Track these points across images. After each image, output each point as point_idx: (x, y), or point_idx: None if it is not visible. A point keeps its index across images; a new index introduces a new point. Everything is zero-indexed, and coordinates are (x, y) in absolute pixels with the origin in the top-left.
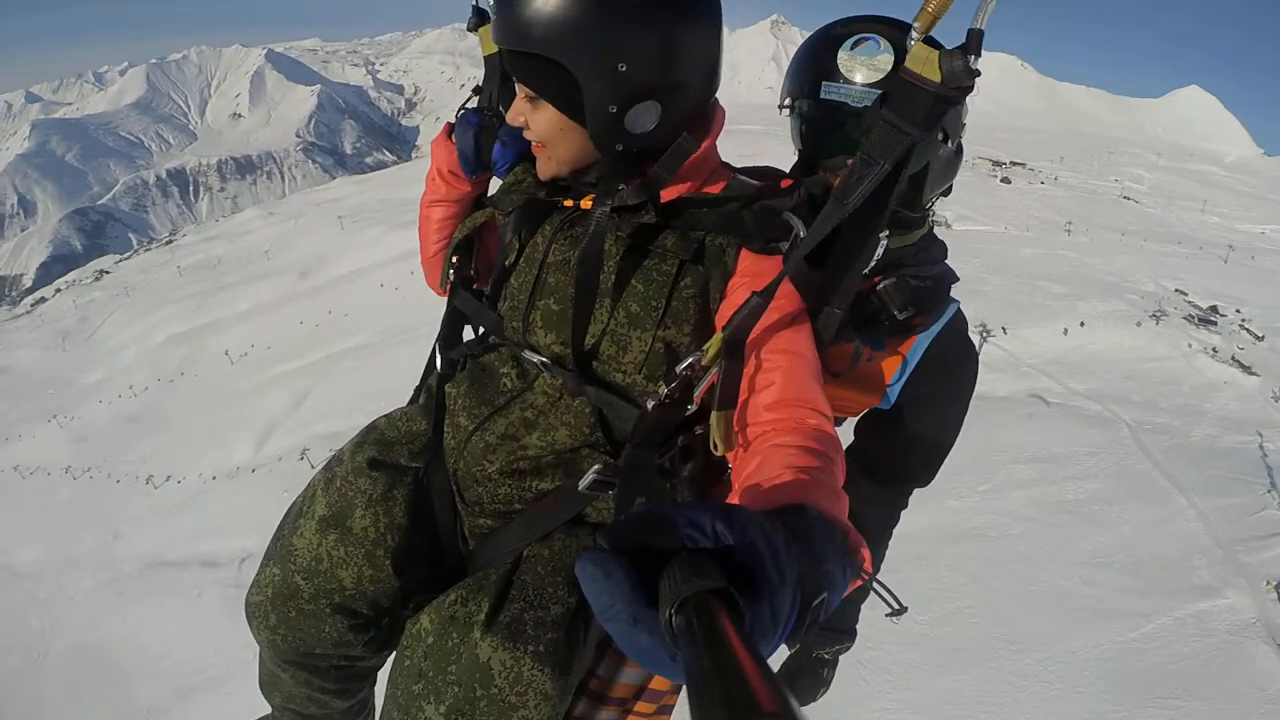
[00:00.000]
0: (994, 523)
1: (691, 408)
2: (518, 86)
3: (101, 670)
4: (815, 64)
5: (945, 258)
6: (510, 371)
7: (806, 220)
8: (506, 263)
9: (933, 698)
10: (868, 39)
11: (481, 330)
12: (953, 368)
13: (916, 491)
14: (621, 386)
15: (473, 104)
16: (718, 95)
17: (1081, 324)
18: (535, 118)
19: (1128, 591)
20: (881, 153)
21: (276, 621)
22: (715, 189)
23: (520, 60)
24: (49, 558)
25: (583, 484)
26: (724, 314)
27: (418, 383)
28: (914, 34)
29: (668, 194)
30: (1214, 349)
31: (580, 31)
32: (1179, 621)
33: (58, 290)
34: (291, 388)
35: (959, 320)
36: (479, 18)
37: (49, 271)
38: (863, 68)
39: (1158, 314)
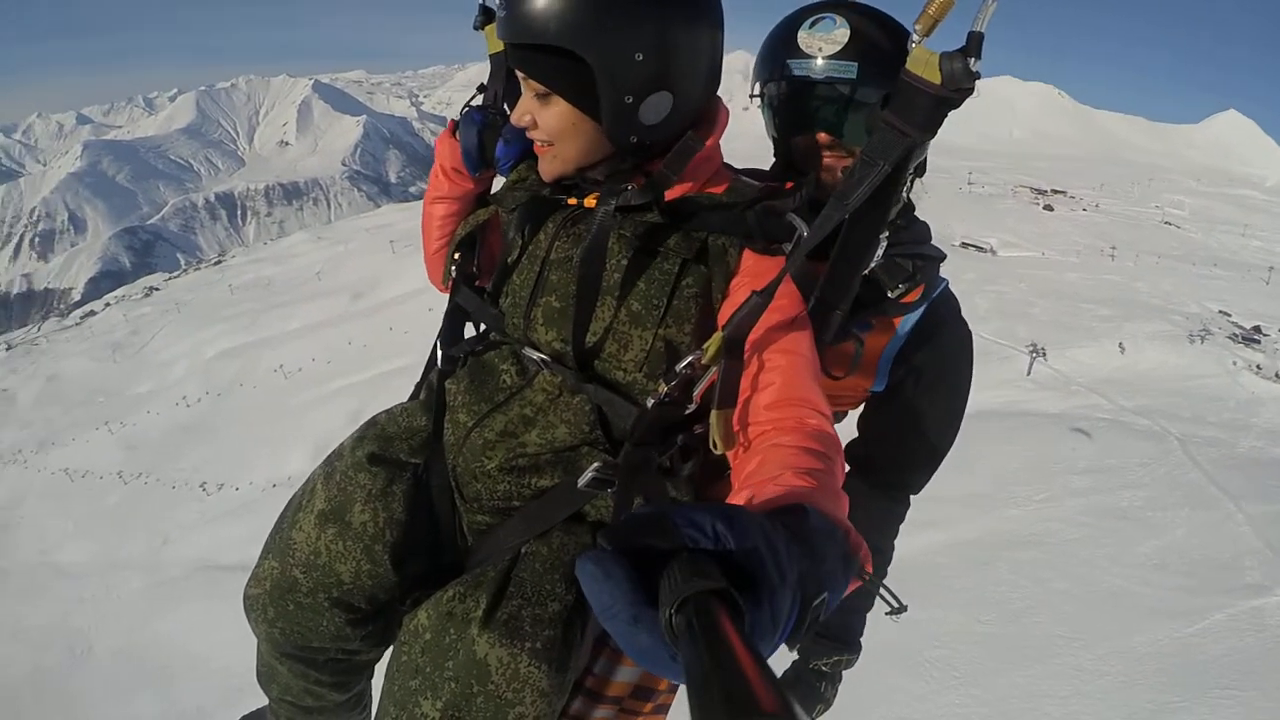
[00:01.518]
0: (1052, 529)
1: (691, 406)
2: (525, 85)
3: (147, 670)
4: (779, 49)
5: (929, 239)
6: (510, 369)
7: (809, 221)
8: (509, 260)
9: (1000, 693)
10: (824, 17)
11: (483, 327)
12: (944, 341)
13: (974, 500)
14: (622, 385)
15: (477, 102)
16: (728, 105)
17: (1121, 346)
18: (544, 115)
19: (1183, 591)
20: (882, 154)
21: (274, 614)
22: (718, 189)
23: (531, 55)
24: (95, 559)
25: (581, 481)
26: (725, 314)
27: (419, 378)
28: (915, 36)
29: (671, 193)
30: (1258, 366)
31: (597, 21)
32: (1233, 618)
33: (107, 304)
34: (345, 403)
35: (948, 295)
36: (485, 15)
37: (97, 287)
38: (822, 41)
39: (1202, 334)
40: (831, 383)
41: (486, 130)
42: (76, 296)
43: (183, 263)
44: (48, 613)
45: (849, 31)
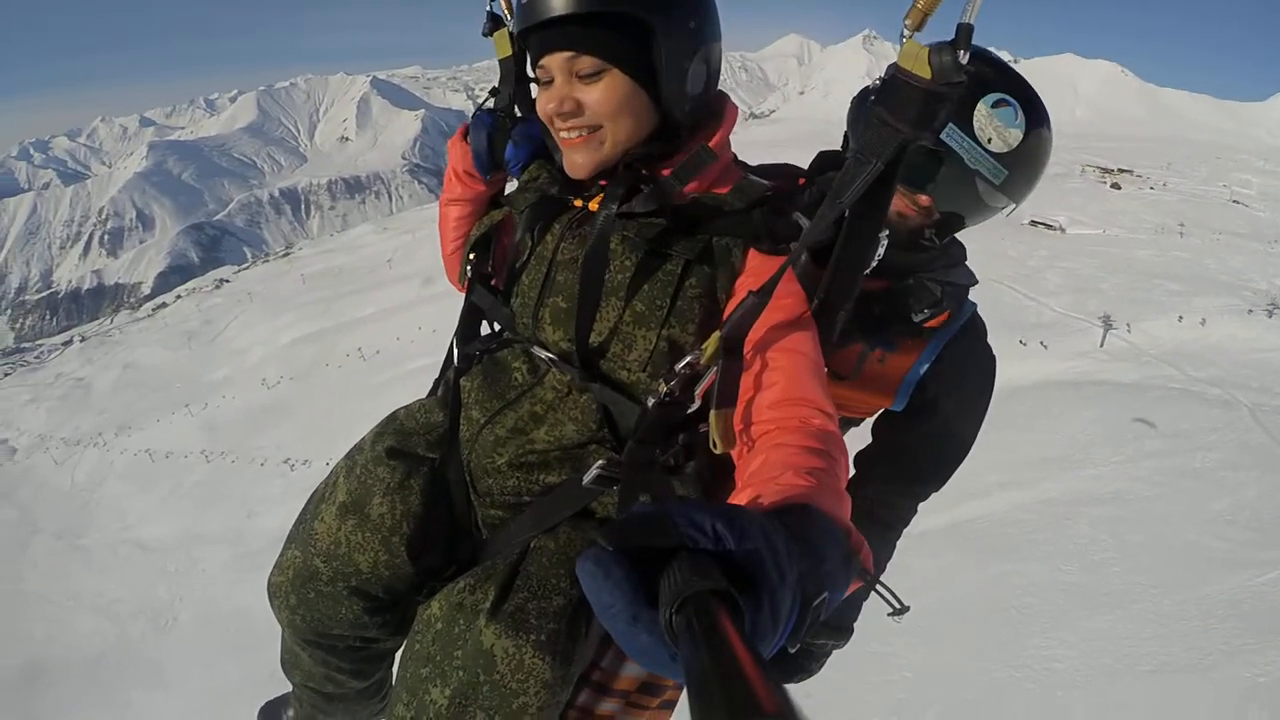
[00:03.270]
0: (1129, 488)
1: (693, 405)
2: (563, 68)
3: (233, 637)
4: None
5: (964, 259)
6: (522, 366)
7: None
8: (518, 260)
9: (1083, 634)
10: (1009, 104)
11: (496, 326)
12: (968, 370)
13: (1053, 462)
14: (626, 384)
15: (489, 106)
16: (783, 90)
17: (1203, 320)
18: (592, 94)
19: (1254, 545)
20: (874, 151)
21: (296, 602)
22: (724, 189)
23: (586, 31)
24: (179, 534)
25: (587, 478)
26: (729, 314)
27: (437, 375)
28: (905, 31)
29: (675, 195)
30: None
31: None
32: None
33: (178, 296)
34: (424, 383)
35: (976, 323)
36: (493, 23)
37: (166, 281)
38: (994, 133)
39: (1270, 308)
40: (847, 394)
41: (496, 133)
42: (146, 291)
43: (249, 256)
44: (131, 586)
45: (1022, 135)
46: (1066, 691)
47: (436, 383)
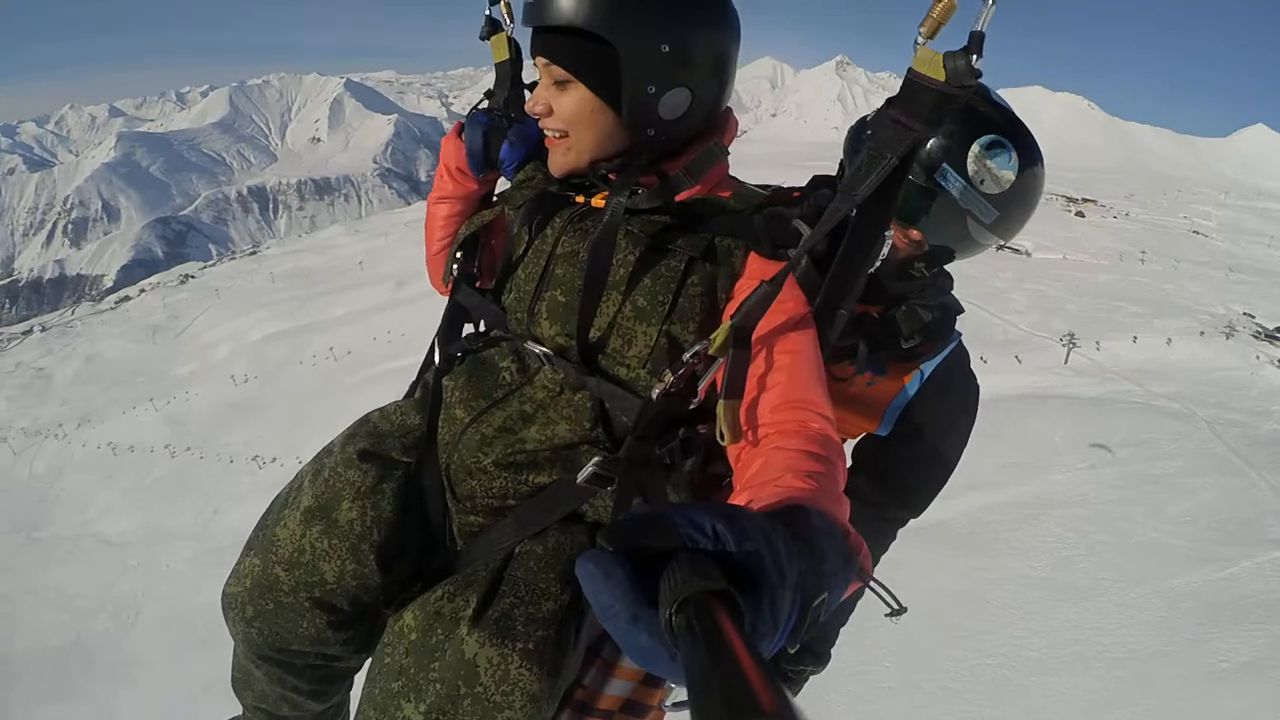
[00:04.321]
0: (1094, 491)
1: (695, 401)
2: (544, 73)
3: (197, 634)
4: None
5: (951, 288)
6: (510, 365)
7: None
8: (513, 255)
9: (1053, 625)
10: (1004, 146)
11: (482, 326)
12: (953, 395)
13: (1020, 467)
14: (624, 381)
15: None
16: (756, 111)
17: (1169, 340)
18: (562, 102)
19: (1213, 542)
20: (889, 147)
21: (253, 614)
22: (725, 194)
23: (556, 40)
24: (142, 529)
25: (581, 476)
26: (730, 313)
27: (414, 377)
28: (919, 38)
29: (680, 195)
30: (1279, 361)
31: (628, 8)
32: (1260, 565)
33: (142, 290)
34: (398, 385)
35: (961, 351)
36: (491, 27)
37: (130, 274)
38: (987, 174)
39: (1227, 331)
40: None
41: (492, 132)
42: (109, 283)
43: (215, 253)
44: (93, 581)
45: (1014, 177)
46: (1040, 677)
47: (414, 385)
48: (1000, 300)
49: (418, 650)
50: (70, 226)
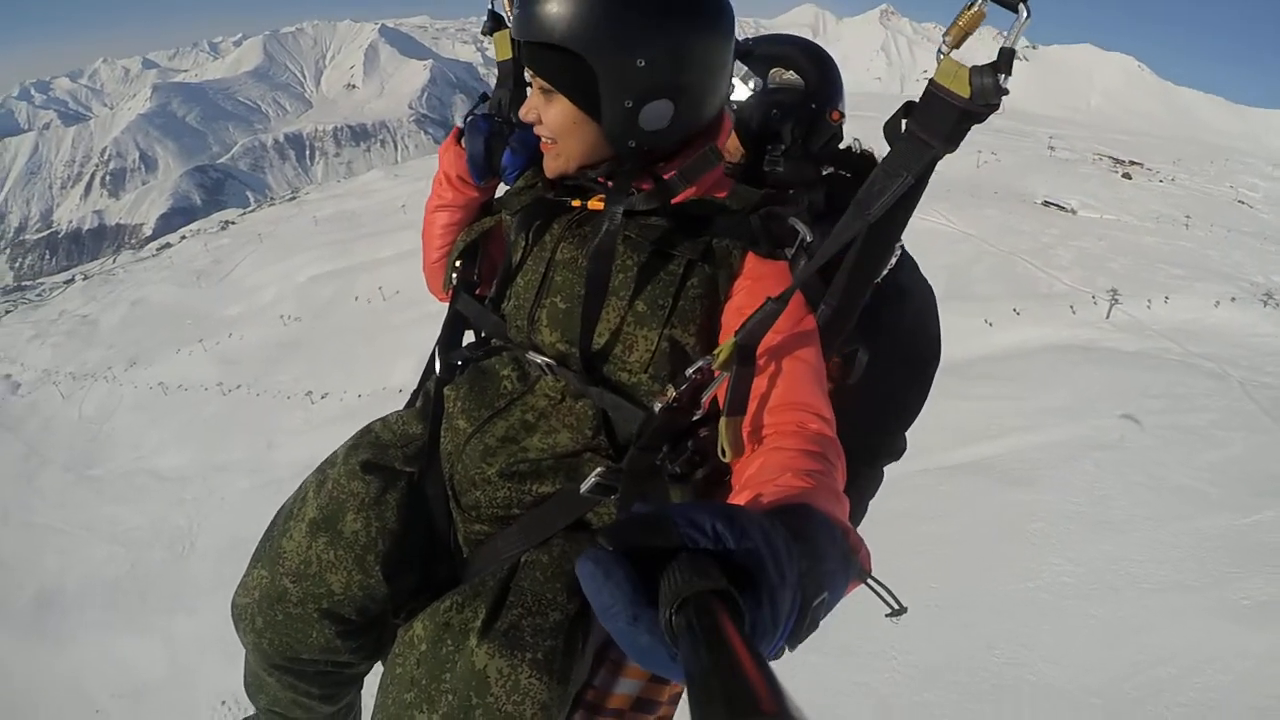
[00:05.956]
0: (1129, 436)
1: (699, 413)
2: (533, 81)
3: None
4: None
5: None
6: (511, 374)
7: (811, 226)
8: (512, 263)
9: (1090, 555)
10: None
11: (482, 334)
12: (905, 305)
13: (1061, 411)
14: (627, 386)
15: (482, 110)
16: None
17: (1216, 303)
18: (549, 112)
19: (1242, 492)
20: (905, 165)
21: (263, 625)
22: (721, 194)
23: (539, 53)
24: (196, 464)
25: (584, 487)
26: (730, 315)
27: (415, 386)
28: (944, 47)
29: (677, 198)
30: None
31: (602, 25)
32: None
33: (183, 237)
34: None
35: (904, 259)
36: (494, 22)
37: (169, 223)
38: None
39: (1266, 299)
40: None
41: (493, 138)
42: (148, 232)
43: (253, 200)
44: (147, 514)
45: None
46: (1075, 602)
47: (415, 394)
48: (1045, 255)
49: (429, 661)
50: (108, 178)
